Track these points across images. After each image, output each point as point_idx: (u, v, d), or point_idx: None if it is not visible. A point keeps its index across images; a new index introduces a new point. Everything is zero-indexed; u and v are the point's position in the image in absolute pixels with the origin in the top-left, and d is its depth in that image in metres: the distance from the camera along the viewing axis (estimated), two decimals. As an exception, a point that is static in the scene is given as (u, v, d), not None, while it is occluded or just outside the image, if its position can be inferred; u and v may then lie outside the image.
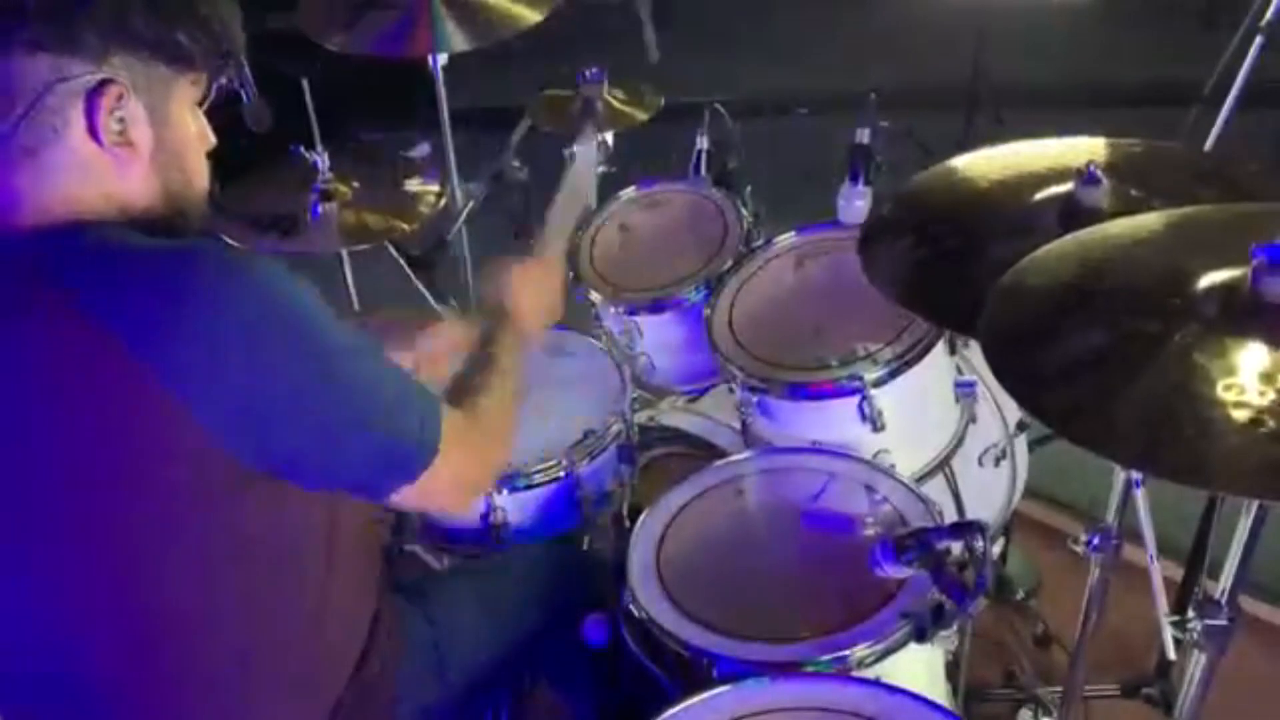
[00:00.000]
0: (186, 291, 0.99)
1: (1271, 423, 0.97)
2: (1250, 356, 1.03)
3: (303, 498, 1.13)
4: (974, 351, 1.81)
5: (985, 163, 1.53)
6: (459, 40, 2.24)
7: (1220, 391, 1.01)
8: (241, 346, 1.00)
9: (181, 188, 1.12)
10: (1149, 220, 1.26)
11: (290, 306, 1.05)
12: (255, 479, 1.05)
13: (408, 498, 1.17)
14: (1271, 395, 0.99)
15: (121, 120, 1.04)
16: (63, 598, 1.09)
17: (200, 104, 1.14)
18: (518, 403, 1.38)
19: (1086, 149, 1.49)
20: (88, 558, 1.06)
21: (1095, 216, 1.34)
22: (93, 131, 1.03)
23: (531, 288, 1.54)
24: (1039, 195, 1.43)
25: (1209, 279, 1.12)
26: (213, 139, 1.18)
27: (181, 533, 1.05)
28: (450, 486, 1.22)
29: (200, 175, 1.16)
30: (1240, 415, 0.98)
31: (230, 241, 2.06)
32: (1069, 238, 1.26)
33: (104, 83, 1.02)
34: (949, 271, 1.41)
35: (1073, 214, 1.37)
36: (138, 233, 1.06)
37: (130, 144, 1.06)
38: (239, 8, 1.14)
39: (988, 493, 1.86)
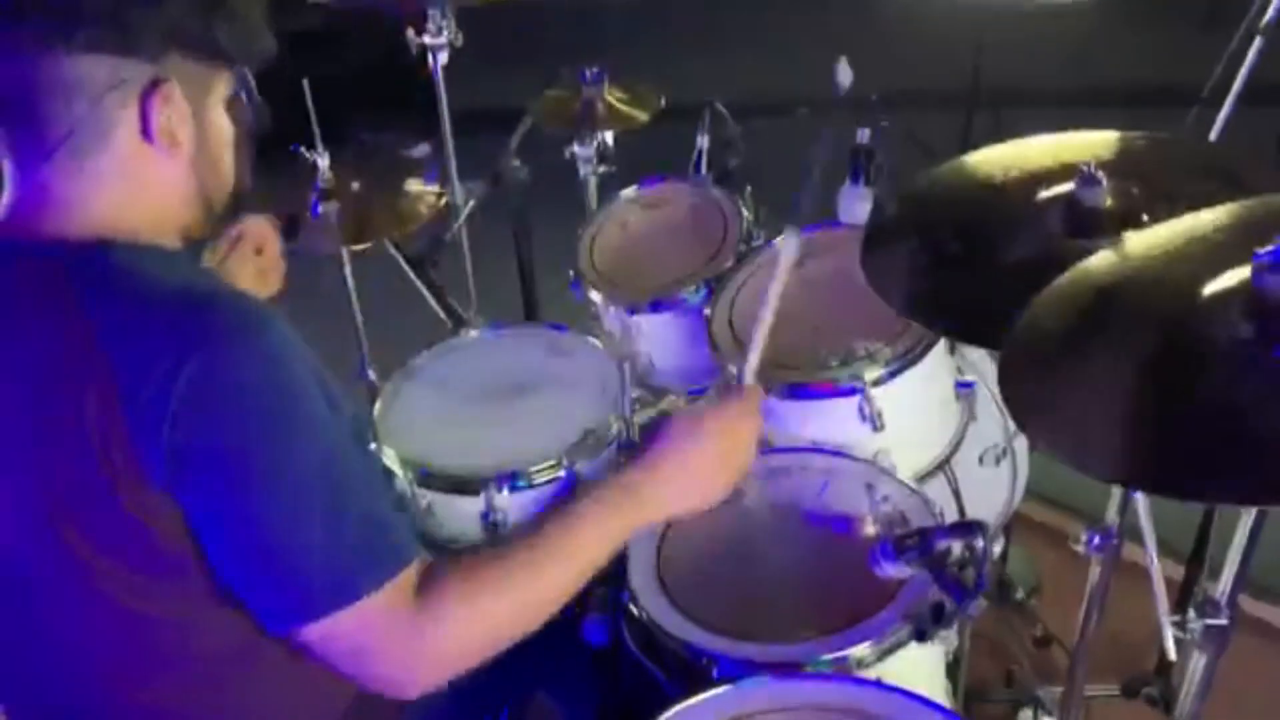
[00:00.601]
0: (194, 342, 0.98)
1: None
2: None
3: None
4: (974, 351, 1.81)
5: (988, 161, 1.53)
6: None
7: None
8: (221, 402, 0.98)
9: (214, 189, 1.13)
10: (1155, 238, 1.25)
11: (288, 383, 1.02)
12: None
13: (308, 646, 1.05)
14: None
15: (169, 119, 1.05)
16: (58, 614, 1.09)
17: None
18: (538, 606, 1.14)
19: (1090, 143, 1.49)
20: (77, 576, 1.05)
21: (1097, 217, 1.34)
22: (146, 130, 1.04)
23: (707, 449, 1.22)
24: (1042, 195, 1.43)
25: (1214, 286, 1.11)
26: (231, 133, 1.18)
27: (166, 557, 1.04)
28: (353, 658, 1.06)
29: (231, 172, 1.16)
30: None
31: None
32: (1077, 269, 1.23)
33: (157, 82, 1.03)
34: (952, 280, 1.40)
35: (1075, 216, 1.37)
36: (164, 254, 1.07)
37: (177, 143, 1.06)
38: (267, 6, 1.15)
39: (988, 492, 1.86)
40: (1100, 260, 1.20)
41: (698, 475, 1.23)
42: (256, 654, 1.14)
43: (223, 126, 1.13)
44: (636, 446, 1.24)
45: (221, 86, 1.11)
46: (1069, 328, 1.14)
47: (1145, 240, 1.23)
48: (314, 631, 1.03)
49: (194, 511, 1.01)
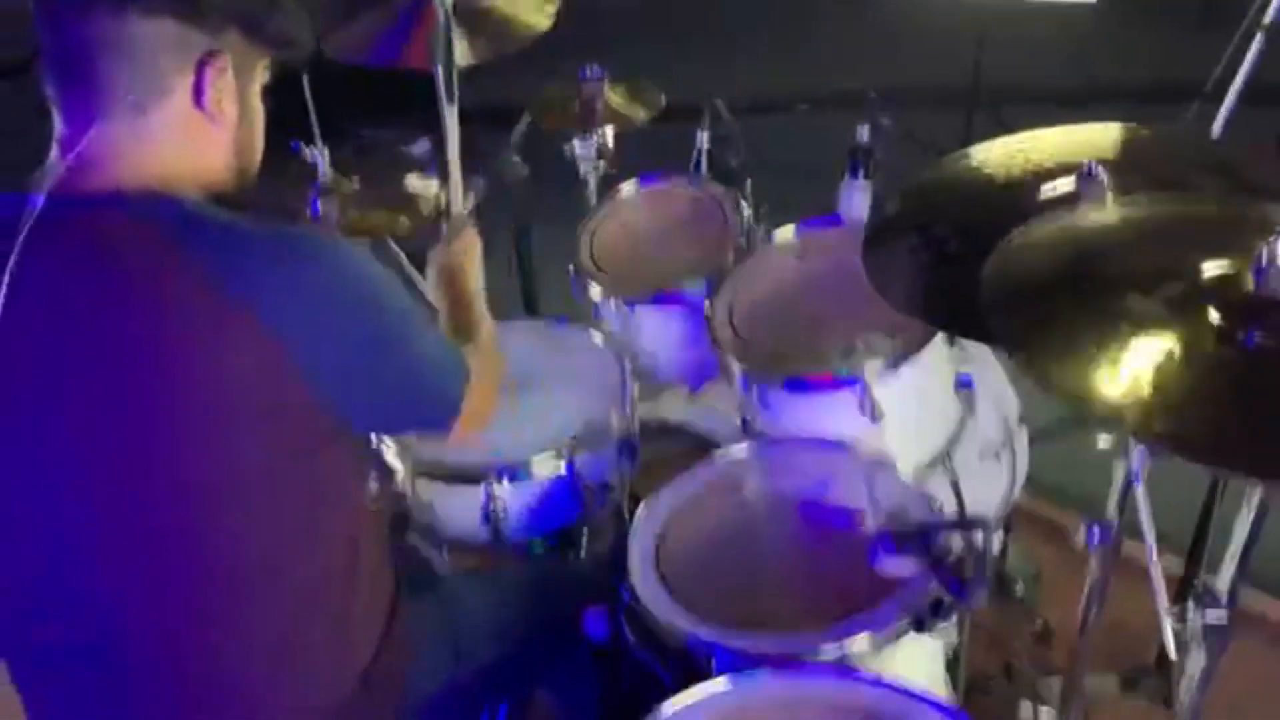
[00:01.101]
0: (293, 257, 1.09)
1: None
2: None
3: (348, 475, 1.21)
4: (974, 344, 1.81)
5: (989, 157, 1.53)
6: (463, 54, 2.24)
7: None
8: (338, 308, 1.10)
9: (248, 164, 1.21)
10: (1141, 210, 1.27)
11: (376, 280, 1.16)
12: (328, 438, 1.13)
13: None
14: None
15: (220, 90, 1.12)
16: (116, 557, 1.10)
17: None
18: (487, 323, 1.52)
19: (1091, 137, 1.49)
20: (151, 514, 1.08)
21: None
22: (198, 98, 1.10)
23: (450, 277, 1.60)
24: (1043, 193, 1.43)
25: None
26: None
27: (248, 494, 1.10)
28: (472, 419, 1.32)
29: (259, 153, 1.24)
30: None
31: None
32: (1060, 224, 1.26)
33: (214, 53, 1.10)
34: (952, 277, 1.40)
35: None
36: (223, 209, 1.13)
37: (223, 114, 1.13)
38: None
39: (988, 487, 1.86)
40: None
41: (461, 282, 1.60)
42: (266, 647, 1.16)
43: (260, 109, 1.21)
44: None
45: (262, 72, 1.20)
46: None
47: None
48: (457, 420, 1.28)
49: (350, 405, 1.13)
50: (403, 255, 2.27)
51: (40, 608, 1.15)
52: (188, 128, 1.12)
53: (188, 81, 1.10)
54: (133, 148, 1.10)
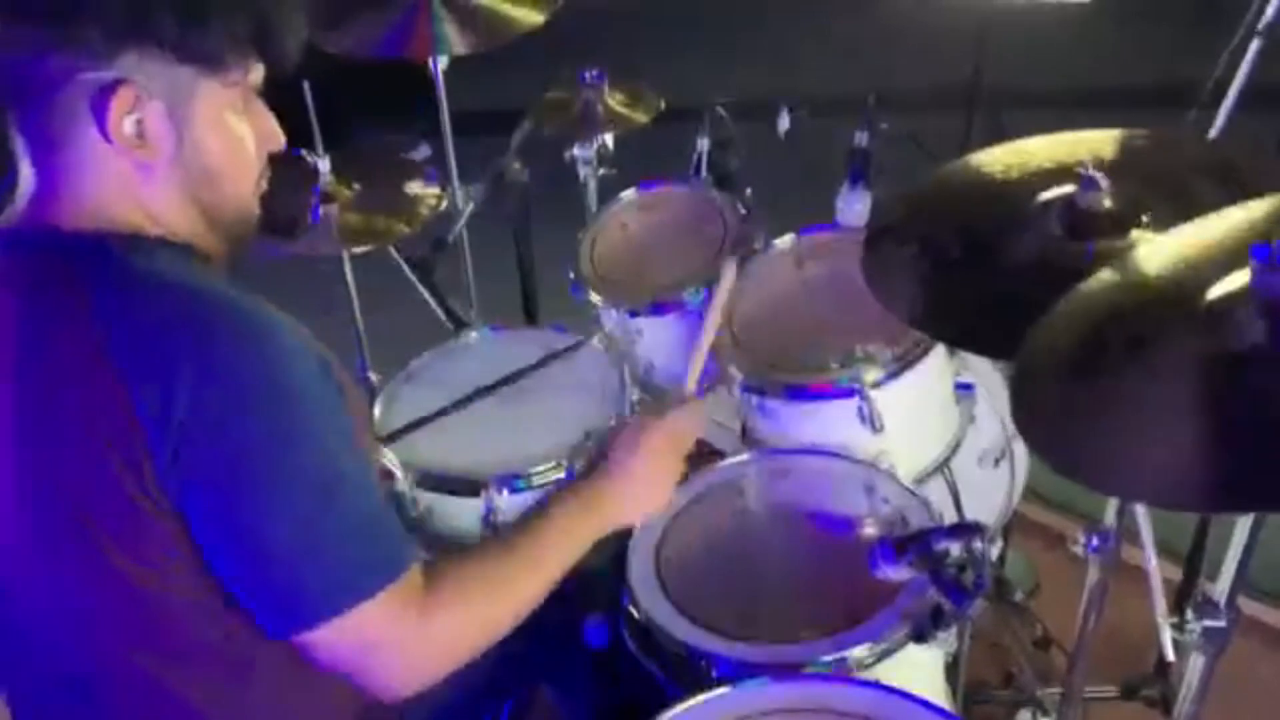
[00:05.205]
0: (197, 348, 0.99)
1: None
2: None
3: None
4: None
5: (989, 163, 1.52)
6: (459, 43, 2.25)
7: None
8: (221, 408, 0.98)
9: (211, 200, 1.10)
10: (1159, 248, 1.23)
11: (290, 389, 1.02)
12: None
13: (313, 648, 1.05)
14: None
15: (139, 122, 1.03)
16: (64, 599, 1.09)
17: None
18: (517, 600, 1.18)
19: (1090, 142, 1.49)
20: (91, 563, 1.05)
21: (1098, 219, 1.34)
22: (103, 131, 1.02)
23: (653, 462, 1.32)
24: (1043, 197, 1.43)
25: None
26: (280, 139, 1.16)
27: (178, 555, 1.04)
28: (355, 660, 1.06)
29: (241, 183, 1.13)
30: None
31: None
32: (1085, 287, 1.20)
33: (117, 82, 1.01)
34: (953, 286, 1.40)
35: (1076, 217, 1.37)
36: (174, 252, 1.07)
37: (148, 146, 1.04)
38: (299, 10, 1.11)
39: (987, 494, 1.86)
40: (1104, 279, 1.19)
41: (645, 486, 1.33)
42: (267, 652, 1.13)
43: (222, 134, 1.09)
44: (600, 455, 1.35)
45: (221, 91, 1.07)
46: (1082, 352, 1.12)
47: (1150, 253, 1.21)
48: (316, 635, 1.04)
49: (194, 517, 1.02)
50: (402, 262, 2.27)
51: (21, 641, 1.15)
52: (109, 162, 1.04)
53: (91, 115, 1.01)
54: (62, 185, 1.04)
